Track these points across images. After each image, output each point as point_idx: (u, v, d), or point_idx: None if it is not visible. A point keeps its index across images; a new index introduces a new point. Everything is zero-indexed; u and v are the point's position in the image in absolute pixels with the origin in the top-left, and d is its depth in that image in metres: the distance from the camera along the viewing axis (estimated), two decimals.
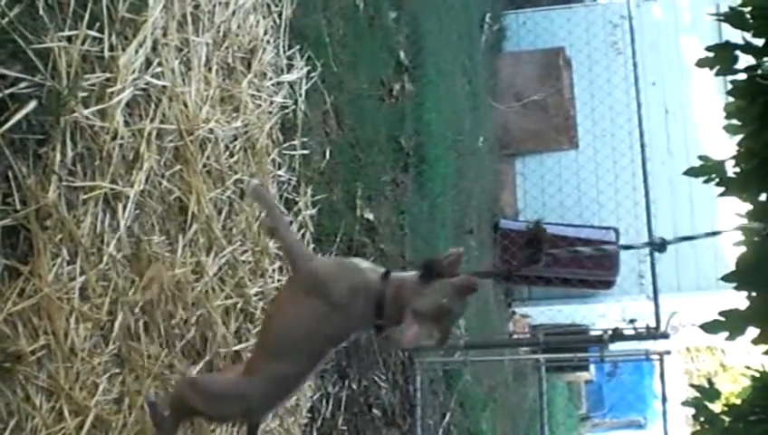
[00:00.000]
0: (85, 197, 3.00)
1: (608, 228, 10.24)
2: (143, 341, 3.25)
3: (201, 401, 3.04)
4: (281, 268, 4.29)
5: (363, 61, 6.16)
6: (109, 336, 3.08)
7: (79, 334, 2.91)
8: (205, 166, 3.75)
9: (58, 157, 2.87)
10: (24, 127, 2.74)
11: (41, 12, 2.84)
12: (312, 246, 4.72)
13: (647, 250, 7.04)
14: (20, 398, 2.68)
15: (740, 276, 3.42)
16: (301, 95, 4.80)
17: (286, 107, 4.63)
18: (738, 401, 3.59)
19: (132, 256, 3.24)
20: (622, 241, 9.94)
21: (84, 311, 2.95)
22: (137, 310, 3.23)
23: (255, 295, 4.06)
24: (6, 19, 2.69)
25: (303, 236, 4.65)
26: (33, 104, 2.75)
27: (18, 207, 2.71)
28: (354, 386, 5.23)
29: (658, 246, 6.60)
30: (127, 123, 3.25)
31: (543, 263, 8.74)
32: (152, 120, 3.41)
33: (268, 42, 4.49)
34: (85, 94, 3.01)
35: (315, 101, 5.12)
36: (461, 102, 9.59)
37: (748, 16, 3.48)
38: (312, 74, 5.01)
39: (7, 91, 2.67)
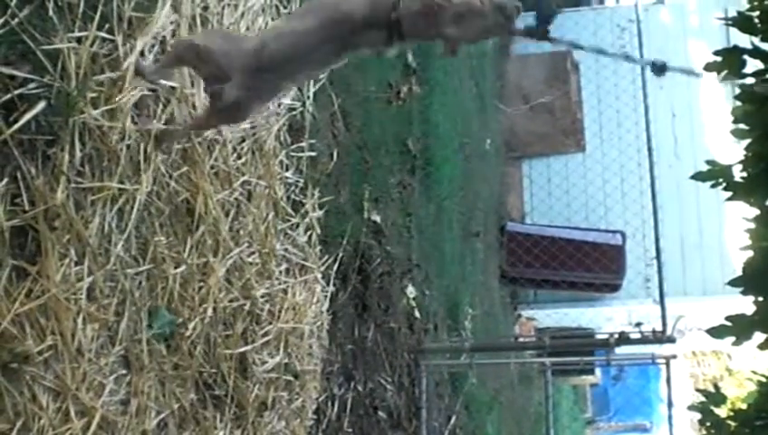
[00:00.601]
0: (93, 197, 3.01)
1: (614, 232, 10.24)
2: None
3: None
4: (287, 270, 4.30)
5: (371, 63, 6.16)
6: (115, 337, 3.09)
7: (86, 335, 2.92)
8: (212, 167, 3.75)
9: (66, 158, 2.88)
10: (33, 128, 2.75)
11: (50, 13, 2.84)
12: (318, 248, 4.72)
13: (653, 255, 7.03)
14: (27, 398, 2.68)
15: (747, 281, 3.43)
16: (308, 97, 4.81)
17: (294, 109, 4.63)
18: (744, 406, 3.59)
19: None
20: (629, 245, 9.95)
21: (91, 311, 2.95)
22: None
23: (262, 297, 4.07)
24: (16, 20, 2.70)
25: (310, 238, 4.65)
26: (42, 105, 2.76)
27: (27, 207, 2.72)
28: (360, 388, 5.23)
29: (658, 68, 6.40)
30: (135, 123, 3.26)
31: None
32: (160, 121, 3.42)
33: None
34: (94, 95, 3.01)
35: (323, 103, 5.12)
36: (468, 105, 9.59)
37: (756, 20, 3.49)
38: (321, 76, 5.01)
39: (17, 92, 2.68)
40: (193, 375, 3.53)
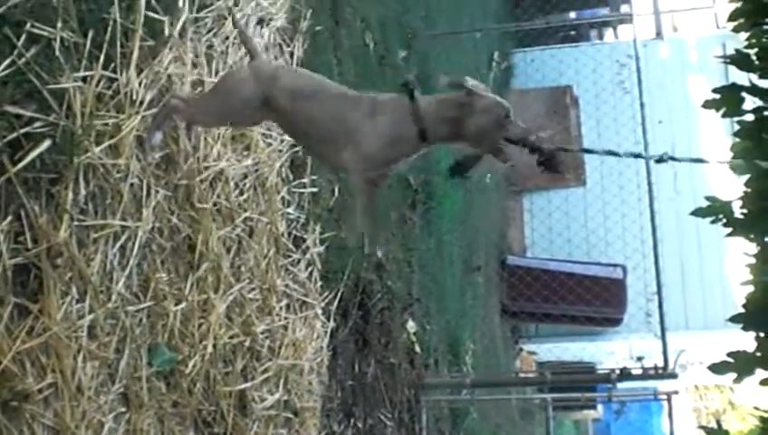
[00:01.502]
0: (96, 235, 3.02)
1: (615, 265, 10.24)
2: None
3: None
4: (288, 306, 4.30)
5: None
6: (115, 375, 3.08)
7: (86, 373, 2.92)
8: (215, 204, 3.77)
9: (70, 196, 2.90)
10: (37, 166, 2.76)
11: (57, 53, 2.88)
12: (319, 283, 4.73)
13: (654, 289, 7.03)
14: None
15: (747, 317, 3.42)
16: None
17: (296, 145, 4.65)
18: None
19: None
20: (630, 279, 9.94)
21: (92, 349, 2.95)
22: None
23: (262, 333, 4.06)
24: (23, 60, 2.73)
25: (311, 273, 4.66)
26: (47, 143, 2.78)
27: (30, 245, 2.73)
28: (360, 425, 5.21)
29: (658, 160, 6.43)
30: (138, 160, 3.28)
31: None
32: (163, 157, 3.45)
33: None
34: (98, 133, 3.03)
35: None
36: None
37: (754, 58, 3.52)
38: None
39: (22, 131, 2.70)
40: (192, 413, 3.52)
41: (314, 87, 3.28)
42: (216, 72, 3.88)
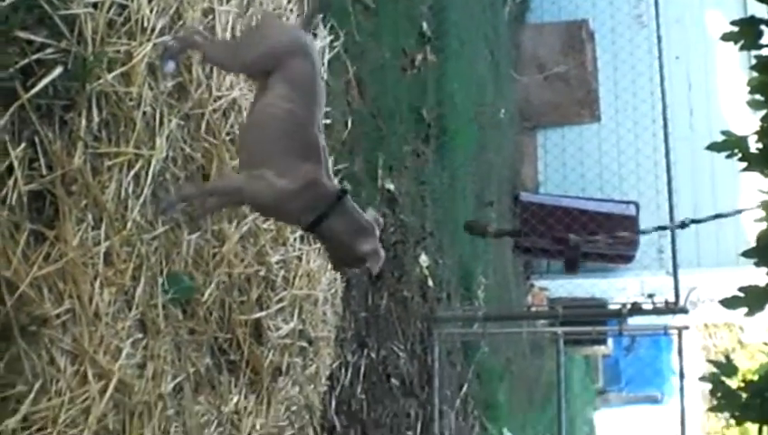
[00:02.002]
0: (110, 163, 3.03)
1: (628, 202, 10.21)
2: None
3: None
4: (302, 238, 4.32)
5: (386, 31, 6.14)
6: (132, 301, 3.12)
7: (103, 299, 2.95)
8: (228, 134, 3.77)
9: (83, 123, 2.90)
10: (50, 92, 2.76)
11: None
12: None
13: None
14: (45, 361, 2.72)
15: (760, 252, 3.43)
16: (323, 64, 4.80)
17: None
18: (755, 378, 3.60)
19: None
20: (642, 215, 9.90)
21: (108, 276, 2.98)
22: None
23: (277, 264, 4.09)
24: None
25: None
26: (59, 70, 2.78)
27: (44, 172, 2.74)
28: (373, 355, 5.26)
29: (680, 225, 6.56)
30: (151, 88, 3.27)
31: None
32: (175, 86, 3.44)
33: (291, 10, 4.49)
34: (110, 60, 3.02)
35: (338, 71, 5.12)
36: (483, 74, 9.55)
37: None
38: (335, 44, 5.01)
39: (34, 57, 2.69)
40: (208, 340, 3.57)
41: (303, 98, 3.21)
42: (227, 1, 3.85)
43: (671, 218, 6.95)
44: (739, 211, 6.06)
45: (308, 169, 3.19)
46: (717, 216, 6.93)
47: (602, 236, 8.98)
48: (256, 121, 3.26)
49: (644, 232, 7.73)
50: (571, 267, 7.46)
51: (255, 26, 3.65)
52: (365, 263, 3.33)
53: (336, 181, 3.43)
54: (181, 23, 3.48)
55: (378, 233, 3.34)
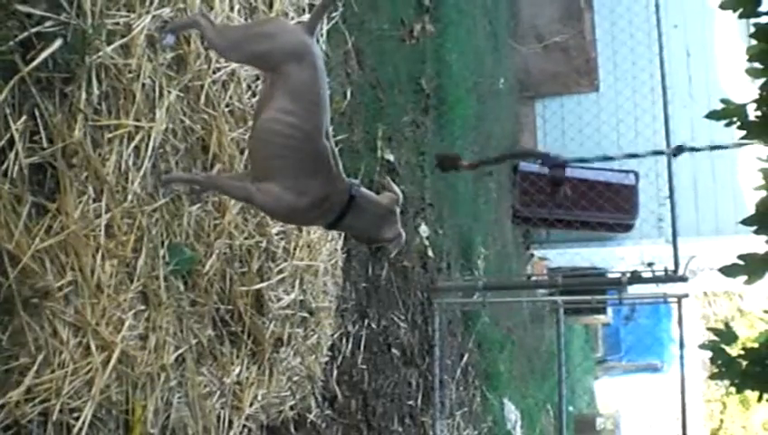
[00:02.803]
0: (110, 135, 3.03)
1: (628, 171, 10.20)
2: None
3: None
4: None
5: (384, 1, 6.12)
6: (134, 273, 3.13)
7: (105, 271, 2.97)
8: (227, 105, 3.76)
9: (83, 95, 2.90)
10: (50, 65, 2.76)
11: None
12: None
13: (666, 194, 7.01)
14: (48, 333, 2.74)
15: (759, 220, 3.43)
16: (322, 35, 4.79)
17: None
18: (755, 345, 3.61)
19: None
20: (642, 185, 9.91)
21: (110, 248, 3.00)
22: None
23: (277, 235, 4.10)
24: None
25: None
26: (58, 43, 2.78)
27: (45, 145, 2.75)
28: (374, 325, 5.29)
29: (675, 150, 6.54)
30: (150, 60, 3.27)
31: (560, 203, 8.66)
32: (174, 58, 3.43)
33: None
34: (110, 33, 3.02)
35: (336, 41, 5.10)
36: (482, 44, 9.52)
37: None
38: (334, 14, 4.99)
39: (33, 30, 2.69)
40: (210, 311, 3.59)
41: (306, 108, 3.12)
42: None
43: (670, 187, 6.94)
44: (738, 144, 6.04)
45: (315, 185, 3.17)
46: (715, 147, 6.93)
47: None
48: (260, 136, 3.18)
49: (636, 156, 7.66)
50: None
51: (260, 23, 3.62)
52: (388, 245, 3.43)
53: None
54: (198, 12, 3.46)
55: (398, 210, 3.36)
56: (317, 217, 3.27)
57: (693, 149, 6.02)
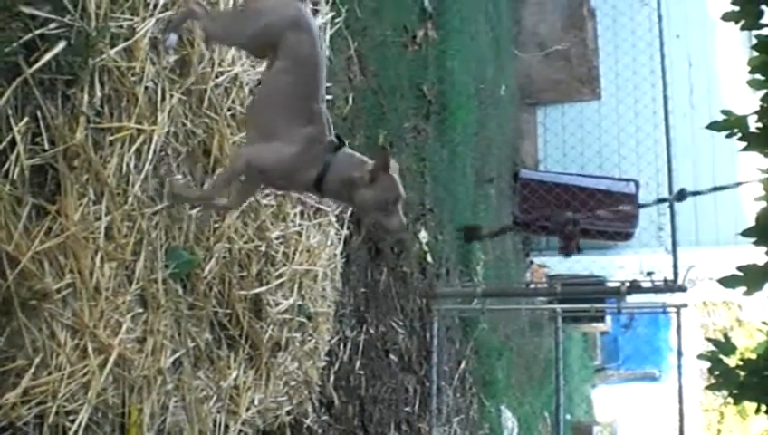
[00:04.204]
0: (112, 138, 3.03)
1: (628, 180, 10.20)
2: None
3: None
4: (302, 213, 4.33)
5: (387, 7, 6.13)
6: (132, 276, 3.13)
7: (104, 274, 2.96)
8: (229, 109, 3.77)
9: (86, 98, 2.90)
10: (53, 67, 2.76)
11: None
12: None
13: (666, 204, 7.02)
14: (45, 335, 2.73)
15: (759, 231, 3.43)
16: (325, 40, 4.79)
17: None
18: (753, 356, 3.61)
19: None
20: (642, 193, 9.91)
21: (109, 250, 2.99)
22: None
23: (277, 239, 4.10)
24: None
25: None
26: (62, 45, 2.78)
27: (46, 146, 2.75)
28: (372, 331, 5.29)
29: (678, 196, 6.58)
30: (153, 63, 3.27)
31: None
32: (177, 61, 3.44)
33: None
34: (113, 36, 3.02)
35: (339, 47, 5.11)
36: (484, 51, 9.53)
37: None
38: (337, 20, 5.00)
39: (37, 32, 2.69)
40: (208, 315, 3.58)
41: (304, 72, 3.24)
42: None
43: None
44: (738, 184, 6.06)
45: (310, 130, 3.24)
46: (716, 188, 6.96)
47: (603, 211, 9.04)
48: (260, 96, 3.34)
49: (643, 205, 7.75)
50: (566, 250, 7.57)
51: (252, 1, 3.64)
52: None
53: None
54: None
55: (400, 194, 3.32)
56: (307, 164, 3.25)
57: (695, 193, 6.04)
